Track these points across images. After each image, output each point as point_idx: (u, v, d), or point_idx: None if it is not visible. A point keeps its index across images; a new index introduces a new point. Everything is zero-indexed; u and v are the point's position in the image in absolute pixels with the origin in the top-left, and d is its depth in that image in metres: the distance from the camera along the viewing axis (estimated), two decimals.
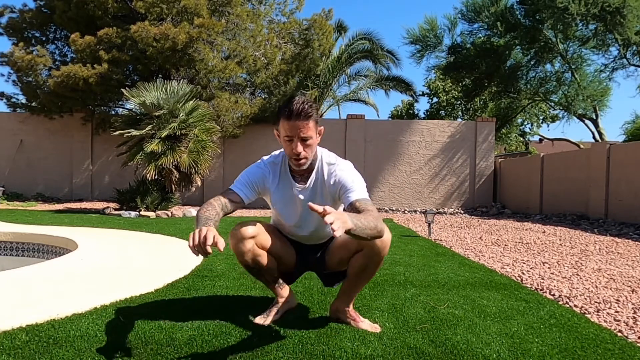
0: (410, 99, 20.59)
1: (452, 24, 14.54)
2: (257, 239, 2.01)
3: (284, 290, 2.20)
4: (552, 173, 10.25)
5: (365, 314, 2.25)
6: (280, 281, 2.19)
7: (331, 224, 1.39)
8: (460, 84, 16.82)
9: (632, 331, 2.18)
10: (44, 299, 2.41)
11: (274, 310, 2.15)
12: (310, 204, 1.52)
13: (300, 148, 1.89)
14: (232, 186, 2.02)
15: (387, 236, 1.87)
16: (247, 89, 12.71)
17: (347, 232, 1.52)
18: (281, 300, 2.18)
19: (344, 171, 1.97)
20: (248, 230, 1.97)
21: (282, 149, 2.04)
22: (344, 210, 1.90)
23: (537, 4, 11.89)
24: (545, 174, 10.45)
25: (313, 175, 2.02)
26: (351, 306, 2.11)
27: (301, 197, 2.03)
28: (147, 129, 8.26)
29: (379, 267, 2.03)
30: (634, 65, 13.30)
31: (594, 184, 8.74)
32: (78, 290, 2.63)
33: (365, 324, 2.06)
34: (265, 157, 2.11)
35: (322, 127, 2.00)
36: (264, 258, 2.04)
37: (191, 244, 1.55)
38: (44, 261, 3.70)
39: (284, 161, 2.06)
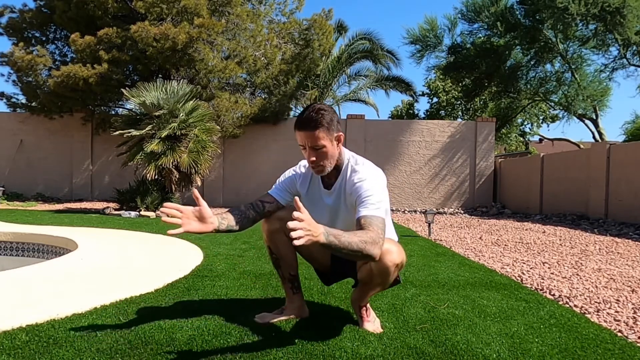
0: (410, 99, 20.60)
1: (452, 24, 14.55)
2: (284, 224, 2.01)
3: (296, 296, 2.18)
4: (552, 173, 10.25)
5: None
6: (296, 284, 2.18)
7: (292, 230, 1.38)
8: (460, 84, 16.82)
9: (632, 331, 2.18)
10: (44, 299, 2.41)
11: (279, 313, 2.14)
12: (295, 198, 1.52)
13: (312, 157, 1.88)
14: (270, 189, 2.10)
15: (386, 263, 1.78)
16: (247, 89, 12.70)
17: (321, 244, 1.48)
18: (290, 307, 2.17)
19: (362, 181, 1.86)
20: (278, 212, 2.04)
21: None
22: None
23: (537, 4, 11.89)
24: (545, 174, 10.45)
25: (338, 181, 1.99)
26: (364, 305, 2.08)
27: (327, 202, 2.03)
28: (147, 129, 8.26)
29: (384, 286, 1.95)
30: (634, 65, 13.30)
31: (594, 184, 8.74)
32: (78, 290, 2.63)
33: (369, 325, 2.05)
34: (303, 161, 2.12)
35: (341, 133, 1.92)
36: (284, 246, 2.06)
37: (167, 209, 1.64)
38: (44, 261, 3.70)
39: None
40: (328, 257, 2.16)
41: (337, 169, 1.97)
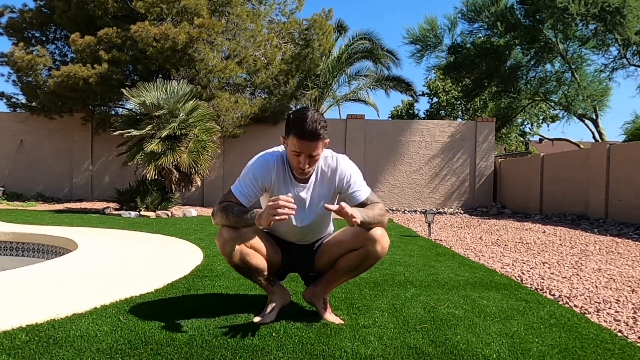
0: (410, 99, 20.57)
1: (452, 24, 14.55)
2: (244, 238, 2.01)
3: (276, 287, 2.21)
4: (552, 173, 10.25)
5: (365, 314, 2.26)
6: (272, 278, 2.20)
7: (352, 217, 1.78)
8: (460, 84, 16.81)
9: (632, 331, 2.18)
10: (44, 299, 2.41)
11: (270, 308, 2.15)
12: (326, 205, 1.84)
13: (307, 164, 1.96)
14: (234, 188, 2.04)
15: (387, 240, 2.01)
16: (247, 89, 12.70)
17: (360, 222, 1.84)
18: (275, 298, 2.18)
19: (347, 168, 2.09)
20: (234, 230, 1.98)
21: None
22: (352, 206, 2.02)
23: (537, 4, 11.88)
24: (545, 174, 10.45)
25: (314, 175, 2.09)
26: (327, 295, 2.22)
27: (303, 195, 2.09)
28: (147, 129, 8.26)
29: (371, 268, 2.11)
30: (634, 65, 13.29)
31: (594, 184, 8.74)
32: (78, 290, 2.63)
33: (330, 316, 2.16)
34: (270, 151, 2.12)
35: (328, 139, 2.01)
36: (252, 257, 2.05)
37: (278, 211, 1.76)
38: (44, 261, 3.71)
39: (287, 160, 2.08)
40: (280, 255, 2.19)
41: None
